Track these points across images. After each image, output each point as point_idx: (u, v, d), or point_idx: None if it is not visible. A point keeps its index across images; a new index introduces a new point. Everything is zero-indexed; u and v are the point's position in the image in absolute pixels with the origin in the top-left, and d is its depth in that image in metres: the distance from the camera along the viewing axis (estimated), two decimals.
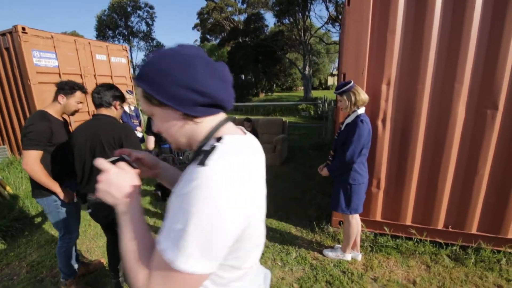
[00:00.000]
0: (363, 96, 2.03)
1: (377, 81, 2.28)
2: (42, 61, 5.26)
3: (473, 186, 2.23)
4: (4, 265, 2.58)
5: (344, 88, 2.04)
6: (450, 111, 2.14)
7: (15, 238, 3.06)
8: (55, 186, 1.84)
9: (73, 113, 1.97)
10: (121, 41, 29.68)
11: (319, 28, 21.79)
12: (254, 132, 5.68)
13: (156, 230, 3.03)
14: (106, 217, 1.78)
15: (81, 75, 6.05)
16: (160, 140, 2.43)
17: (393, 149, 2.39)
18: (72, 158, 1.73)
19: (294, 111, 13.85)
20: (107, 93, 1.70)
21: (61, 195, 1.88)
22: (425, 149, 2.30)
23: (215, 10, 26.15)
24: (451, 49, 2.05)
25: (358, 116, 2.03)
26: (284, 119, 5.81)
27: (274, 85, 32.35)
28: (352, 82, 2.04)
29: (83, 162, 1.71)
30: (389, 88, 2.26)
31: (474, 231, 2.33)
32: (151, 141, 2.45)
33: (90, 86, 6.25)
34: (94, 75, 6.36)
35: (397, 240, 2.54)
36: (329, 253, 2.45)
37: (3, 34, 5.05)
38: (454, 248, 2.39)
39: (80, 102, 1.93)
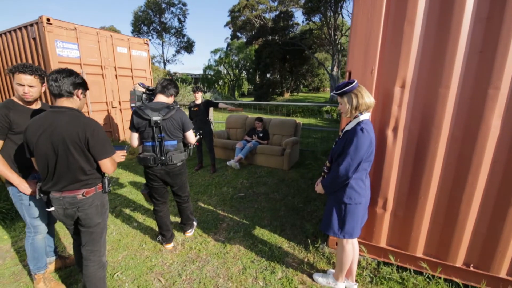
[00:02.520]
0: (367, 99, 1.68)
1: (389, 82, 1.90)
2: (64, 51, 5.45)
3: (506, 219, 1.76)
4: None
5: (345, 89, 1.70)
6: (481, 124, 1.69)
7: (14, 221, 3.13)
8: (12, 177, 1.74)
9: (29, 102, 1.83)
10: (155, 36, 30.86)
11: None
12: (265, 132, 5.40)
13: (145, 227, 2.92)
14: (71, 216, 1.66)
15: (101, 67, 6.24)
16: (143, 137, 2.27)
17: (405, 165, 1.99)
18: (29, 154, 1.58)
19: (316, 112, 13.29)
20: (66, 80, 1.49)
21: (20, 187, 1.77)
22: (445, 167, 1.88)
23: (247, 8, 26.06)
24: (486, 45, 1.61)
25: (359, 123, 1.68)
26: (298, 120, 5.44)
27: (301, 85, 31.59)
28: (356, 82, 1.70)
29: (45, 161, 1.55)
30: (403, 91, 1.86)
31: (503, 274, 1.86)
32: (135, 139, 2.30)
33: (110, 78, 6.49)
34: (115, 67, 6.54)
35: (404, 272, 2.14)
36: (320, 279, 2.13)
37: (31, 25, 5.30)
38: None
39: (25, 85, 1.73)
